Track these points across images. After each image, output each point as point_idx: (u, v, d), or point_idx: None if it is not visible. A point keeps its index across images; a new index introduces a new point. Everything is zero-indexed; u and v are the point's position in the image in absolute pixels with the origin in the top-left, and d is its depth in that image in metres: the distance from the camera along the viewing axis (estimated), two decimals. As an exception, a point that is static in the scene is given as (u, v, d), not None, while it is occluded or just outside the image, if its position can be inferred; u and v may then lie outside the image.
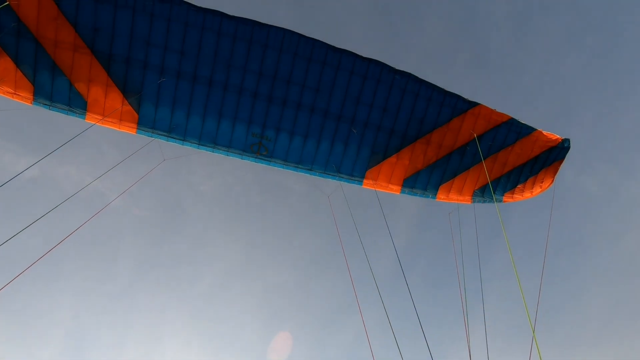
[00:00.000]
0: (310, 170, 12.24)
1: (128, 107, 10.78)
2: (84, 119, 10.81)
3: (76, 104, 10.52)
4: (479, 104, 11.57)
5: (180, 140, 11.48)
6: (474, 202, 12.75)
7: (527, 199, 12.40)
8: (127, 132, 11.28)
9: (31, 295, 22.33)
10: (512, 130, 11.65)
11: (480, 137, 11.49)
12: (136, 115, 11.01)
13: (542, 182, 12.06)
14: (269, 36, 10.47)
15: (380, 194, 12.35)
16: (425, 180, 12.29)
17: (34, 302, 22.19)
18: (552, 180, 12.03)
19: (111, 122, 11.03)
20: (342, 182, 12.32)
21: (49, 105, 10.51)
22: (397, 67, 11.13)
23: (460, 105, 11.53)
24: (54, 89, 10.26)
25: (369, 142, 11.86)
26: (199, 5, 10.11)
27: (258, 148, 11.78)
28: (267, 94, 11.09)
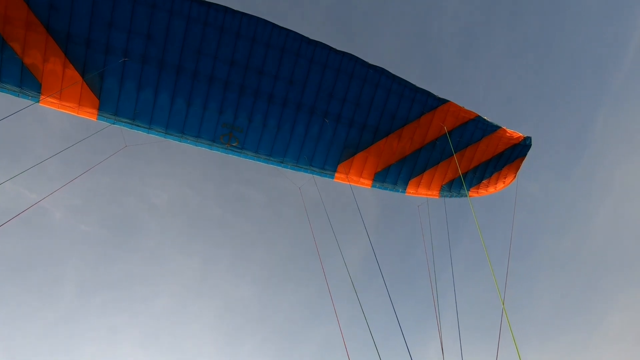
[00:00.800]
0: (282, 162, 12.07)
1: (88, 91, 10.11)
2: (38, 102, 10.02)
3: (28, 85, 9.72)
4: (449, 101, 11.89)
5: (146, 128, 10.93)
6: (441, 196, 13.10)
7: (491, 193, 12.92)
8: (87, 118, 10.58)
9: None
10: (478, 128, 12.07)
11: (449, 133, 11.81)
12: (97, 101, 10.36)
13: (505, 178, 12.61)
14: (241, 24, 10.18)
15: (348, 188, 12.40)
16: (395, 175, 12.48)
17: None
18: (515, 176, 12.61)
19: (69, 107, 10.30)
20: (314, 175, 12.26)
21: (-3, 86, 9.65)
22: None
23: (430, 102, 11.79)
24: (3, 68, 9.42)
25: (342, 136, 11.87)
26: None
27: (228, 139, 11.46)
28: (239, 83, 10.79)
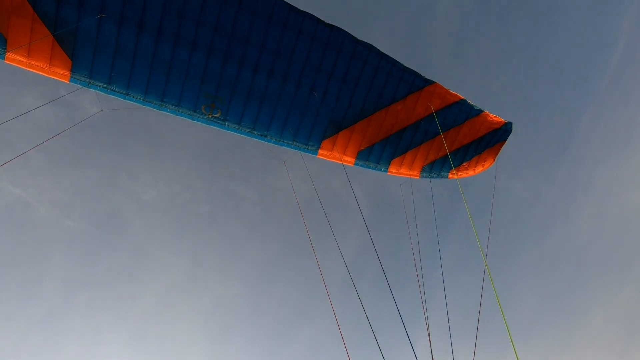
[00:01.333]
0: (265, 137, 11.85)
1: (59, 50, 9.44)
2: (3, 59, 9.30)
3: (-7, 39, 8.97)
4: (435, 82, 11.87)
5: (123, 93, 10.40)
6: (422, 177, 13.31)
7: (470, 176, 13.23)
8: (59, 80, 9.95)
9: None
10: (462, 110, 12.17)
11: (434, 114, 11.86)
12: (69, 61, 9.71)
13: (484, 162, 12.90)
14: None
15: (334, 166, 12.39)
16: (378, 154, 12.53)
17: None
18: (494, 160, 12.91)
19: (39, 66, 9.62)
20: (299, 152, 12.14)
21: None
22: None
23: (417, 82, 11.74)
24: (-37, 19, 8.63)
25: (327, 112, 11.71)
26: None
27: (210, 110, 11.09)
28: (223, 52, 10.34)
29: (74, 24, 9.25)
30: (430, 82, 11.86)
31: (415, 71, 11.71)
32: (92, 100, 10.45)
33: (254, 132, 11.68)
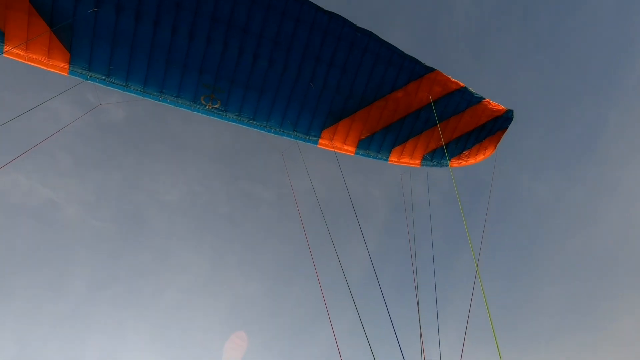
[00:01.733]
0: (265, 127, 11.85)
1: (57, 43, 9.41)
2: (2, 53, 9.30)
3: (-10, 33, 8.95)
4: (436, 69, 11.74)
5: (122, 85, 10.40)
6: (422, 165, 13.31)
7: (470, 164, 13.21)
8: (58, 73, 9.94)
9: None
10: (464, 98, 12.06)
11: (435, 102, 11.77)
12: (67, 54, 9.68)
13: (485, 150, 12.85)
14: None
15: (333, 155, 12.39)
16: (379, 143, 12.51)
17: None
18: (495, 148, 12.86)
19: (37, 59, 9.61)
20: (298, 141, 12.14)
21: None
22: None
23: (418, 70, 11.61)
24: (-40, 13, 8.60)
25: (327, 101, 11.65)
26: None
27: (210, 100, 11.08)
28: (221, 41, 10.26)
29: (70, 15, 9.19)
30: (430, 70, 11.73)
31: (415, 58, 11.57)
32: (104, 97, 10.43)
33: (254, 122, 11.68)
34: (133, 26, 9.63)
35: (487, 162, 13.34)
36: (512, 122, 12.54)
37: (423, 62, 11.59)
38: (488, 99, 12.38)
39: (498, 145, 12.81)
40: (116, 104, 11.93)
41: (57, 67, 9.83)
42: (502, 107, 12.53)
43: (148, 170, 22.94)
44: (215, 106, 11.18)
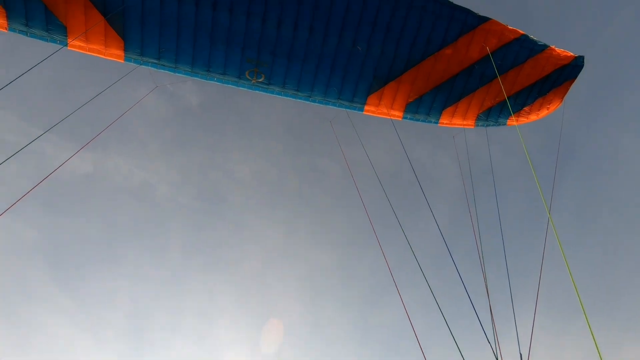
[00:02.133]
0: (310, 97, 11.78)
1: (112, 32, 10.00)
2: (66, 46, 10.10)
3: (54, 29, 9.73)
4: (491, 19, 10.69)
5: (172, 67, 10.87)
6: (477, 126, 12.49)
7: (532, 121, 12.12)
8: (114, 61, 10.62)
9: (95, 281, 24.02)
10: (524, 47, 10.91)
11: (492, 54, 10.80)
12: (122, 41, 10.27)
13: (549, 104, 11.66)
14: None
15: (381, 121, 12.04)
16: (428, 105, 11.89)
17: (98, 287, 23.93)
18: (561, 101, 11.61)
19: (96, 49, 10.33)
20: (346, 110, 11.95)
21: (26, 32, 9.74)
22: None
23: (470, 21, 10.65)
24: (28, 12, 9.40)
25: (371, 65, 11.22)
26: None
27: (254, 74, 11.20)
28: (260, 13, 10.19)
29: (120, 3, 9.65)
30: (485, 19, 10.70)
31: (467, 9, 10.60)
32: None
33: (298, 93, 11.65)
34: (177, 7, 9.89)
35: (555, 117, 12.11)
36: (584, 69, 11.16)
37: (475, 11, 10.60)
38: (553, 46, 11.08)
39: (565, 97, 11.54)
40: (172, 84, 12.61)
41: (114, 55, 10.48)
42: (570, 53, 11.16)
43: (222, 149, 25.51)
44: (260, 80, 11.29)
